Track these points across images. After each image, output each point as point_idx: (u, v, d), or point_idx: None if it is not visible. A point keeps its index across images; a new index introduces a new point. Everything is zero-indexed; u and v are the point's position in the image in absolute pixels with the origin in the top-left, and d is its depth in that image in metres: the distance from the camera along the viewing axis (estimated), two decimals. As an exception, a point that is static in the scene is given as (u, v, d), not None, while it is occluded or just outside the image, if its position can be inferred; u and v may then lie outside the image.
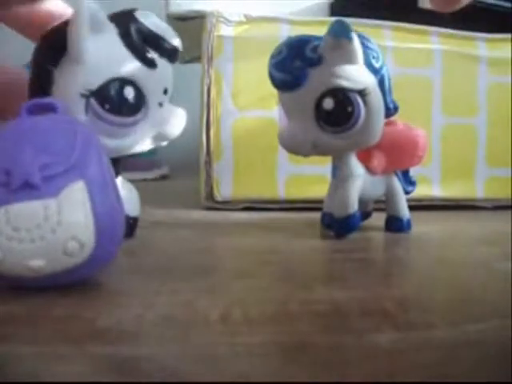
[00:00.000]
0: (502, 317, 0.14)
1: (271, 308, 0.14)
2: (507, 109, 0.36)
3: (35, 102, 0.18)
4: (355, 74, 0.22)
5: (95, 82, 0.19)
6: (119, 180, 0.22)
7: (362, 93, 0.22)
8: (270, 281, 0.17)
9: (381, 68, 0.23)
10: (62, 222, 0.14)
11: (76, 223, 0.14)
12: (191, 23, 0.36)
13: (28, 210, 0.14)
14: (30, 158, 0.15)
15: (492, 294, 0.16)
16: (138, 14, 0.20)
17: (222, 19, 0.33)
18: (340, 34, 0.21)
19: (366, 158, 0.24)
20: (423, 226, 0.27)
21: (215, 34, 0.33)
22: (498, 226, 0.29)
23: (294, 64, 0.22)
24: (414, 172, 0.27)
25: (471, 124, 0.36)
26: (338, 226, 0.24)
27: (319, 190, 0.33)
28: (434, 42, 0.36)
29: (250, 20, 0.34)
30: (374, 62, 0.22)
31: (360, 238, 0.24)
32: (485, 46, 0.36)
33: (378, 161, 0.24)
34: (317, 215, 0.27)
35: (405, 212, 0.26)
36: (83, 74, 0.19)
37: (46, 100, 0.18)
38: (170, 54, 0.21)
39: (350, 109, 0.22)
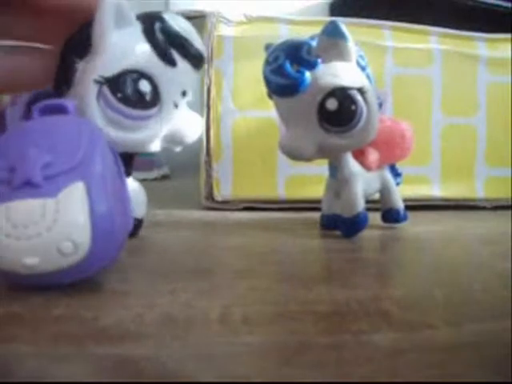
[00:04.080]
0: (501, 317, 0.14)
1: (271, 308, 0.14)
2: (507, 109, 0.36)
3: (47, 104, 0.18)
4: (353, 73, 0.22)
5: (111, 70, 0.19)
6: (129, 181, 0.22)
7: (362, 90, 0.22)
8: (270, 281, 0.17)
9: (366, 66, 0.23)
10: (59, 220, 0.14)
11: (72, 223, 0.14)
12: (191, 23, 0.36)
13: (26, 207, 0.14)
14: (34, 157, 0.15)
15: (492, 294, 0.16)
16: (166, 15, 0.20)
17: (222, 19, 0.33)
18: (335, 34, 0.21)
19: (360, 156, 0.24)
20: (423, 226, 0.27)
21: (215, 33, 0.33)
22: (498, 225, 0.29)
23: (293, 69, 0.22)
24: (414, 172, 0.27)
25: (471, 124, 0.36)
26: (347, 226, 0.24)
27: (319, 190, 0.33)
28: (433, 41, 0.36)
29: (250, 20, 0.34)
30: (360, 60, 0.23)
31: (360, 237, 0.24)
32: (484, 46, 0.36)
33: (373, 157, 0.24)
34: (317, 215, 0.27)
35: (400, 203, 0.27)
36: (101, 62, 0.19)
37: (58, 101, 0.18)
38: (194, 59, 0.21)
39: (353, 107, 0.22)
